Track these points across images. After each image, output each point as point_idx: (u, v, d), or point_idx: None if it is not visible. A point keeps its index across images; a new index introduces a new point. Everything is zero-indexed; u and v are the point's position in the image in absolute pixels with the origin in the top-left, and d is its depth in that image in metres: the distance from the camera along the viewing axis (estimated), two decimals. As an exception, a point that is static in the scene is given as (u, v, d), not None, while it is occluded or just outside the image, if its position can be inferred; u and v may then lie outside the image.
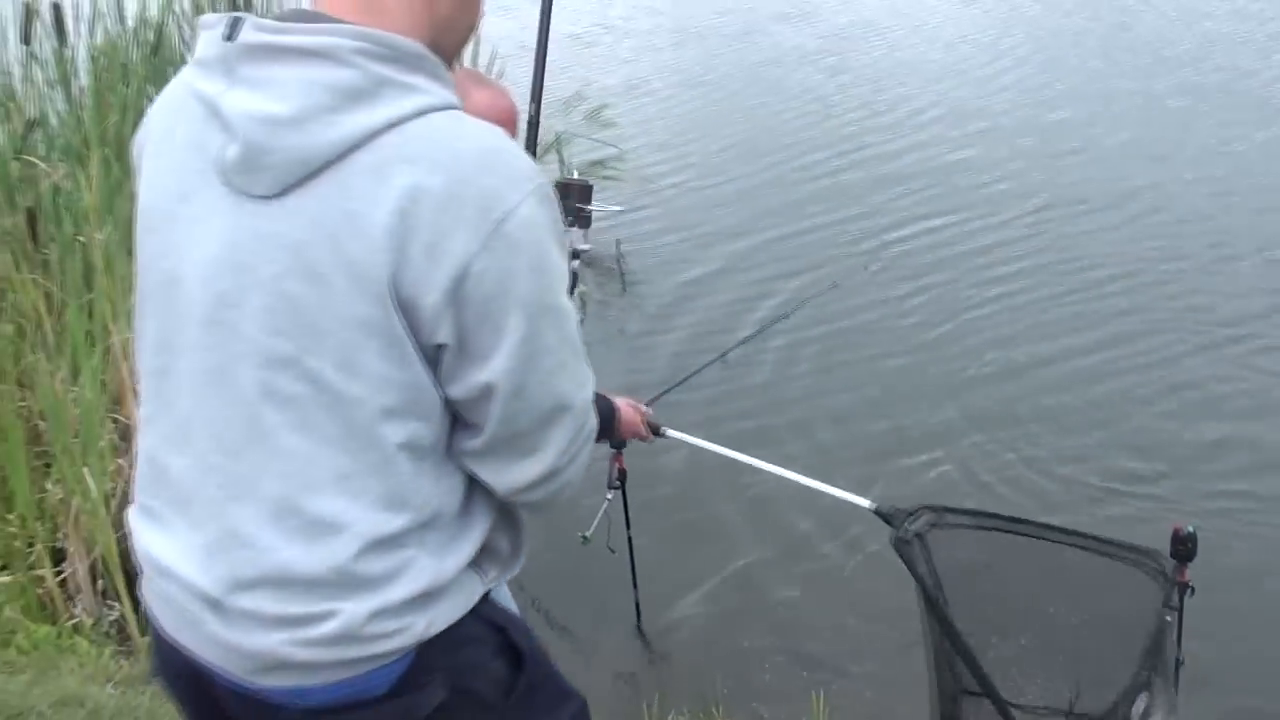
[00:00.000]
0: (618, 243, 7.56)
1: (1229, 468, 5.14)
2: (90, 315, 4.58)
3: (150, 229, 1.57)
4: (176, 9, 6.59)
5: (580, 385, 1.58)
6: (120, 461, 4.22)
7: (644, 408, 3.09)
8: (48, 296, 4.88)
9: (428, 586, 1.52)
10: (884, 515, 2.95)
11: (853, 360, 6.12)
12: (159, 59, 6.32)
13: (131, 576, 4.03)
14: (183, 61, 1.69)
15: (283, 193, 1.43)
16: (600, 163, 8.22)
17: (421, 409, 1.49)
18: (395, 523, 1.50)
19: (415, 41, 1.47)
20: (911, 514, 2.88)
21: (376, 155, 1.42)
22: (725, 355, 4.61)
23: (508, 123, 2.57)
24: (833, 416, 5.66)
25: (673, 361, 5.92)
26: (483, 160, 1.45)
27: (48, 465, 4.29)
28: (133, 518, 1.65)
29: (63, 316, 4.73)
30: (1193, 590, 2.76)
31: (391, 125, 1.42)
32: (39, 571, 4.02)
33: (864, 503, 3.07)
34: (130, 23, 6.56)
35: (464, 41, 1.62)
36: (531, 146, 2.04)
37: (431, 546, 1.54)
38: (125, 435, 4.38)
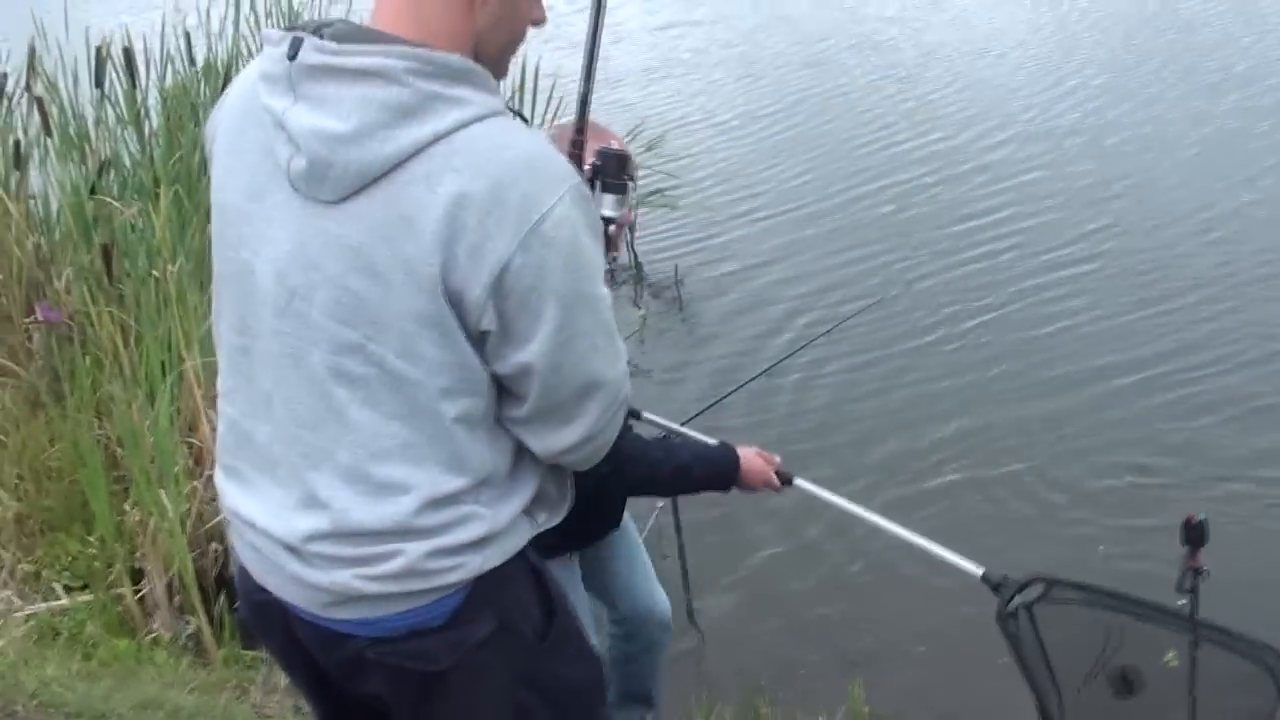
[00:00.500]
0: (676, 268, 7.68)
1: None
2: (165, 346, 4.72)
3: (227, 222, 1.74)
4: (244, 49, 6.76)
5: (612, 363, 1.73)
6: (195, 484, 4.35)
7: (775, 458, 3.04)
8: (123, 329, 5.04)
9: (485, 534, 1.71)
10: (992, 584, 2.79)
11: (905, 376, 6.20)
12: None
13: (207, 593, 4.17)
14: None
15: (345, 199, 1.59)
16: (659, 191, 8.32)
17: (473, 386, 1.66)
18: (454, 484, 1.68)
19: (460, 55, 1.61)
20: (1023, 585, 2.73)
21: (427, 165, 1.57)
22: (769, 369, 4.63)
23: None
24: (880, 430, 5.75)
25: (727, 382, 5.97)
26: (523, 166, 1.60)
27: (125, 489, 4.45)
28: (219, 478, 1.87)
29: (138, 347, 4.89)
30: (1207, 573, 2.77)
31: (439, 137, 1.58)
32: (118, 590, 4.17)
33: (974, 569, 2.88)
34: (199, 64, 6.74)
35: (505, 49, 1.75)
36: (581, 122, 2.17)
37: (486, 500, 1.72)
38: (199, 459, 4.52)
